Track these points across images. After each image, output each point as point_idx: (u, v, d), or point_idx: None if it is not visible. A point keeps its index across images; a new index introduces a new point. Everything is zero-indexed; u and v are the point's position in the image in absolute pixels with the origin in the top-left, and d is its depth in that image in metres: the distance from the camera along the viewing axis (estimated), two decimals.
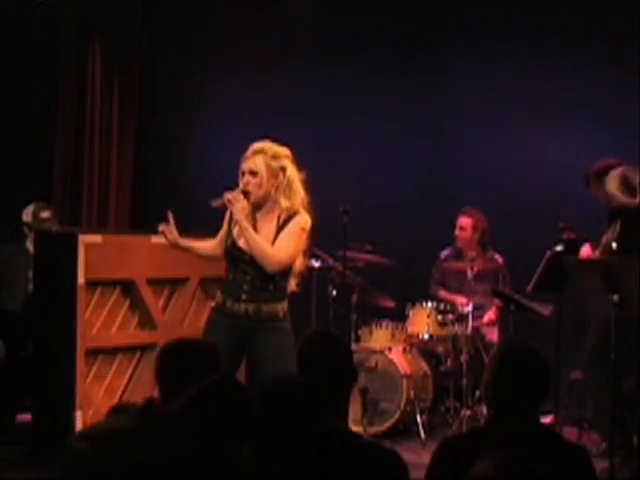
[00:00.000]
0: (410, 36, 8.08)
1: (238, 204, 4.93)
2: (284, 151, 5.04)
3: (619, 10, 7.30)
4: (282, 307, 5.03)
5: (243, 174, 5.02)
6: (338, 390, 3.28)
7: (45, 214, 6.78)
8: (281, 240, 4.96)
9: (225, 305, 5.03)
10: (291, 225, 4.98)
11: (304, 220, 5.00)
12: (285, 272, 5.02)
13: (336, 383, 3.26)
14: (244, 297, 4.98)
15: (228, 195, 4.95)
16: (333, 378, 3.26)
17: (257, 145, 5.04)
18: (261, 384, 2.99)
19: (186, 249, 5.20)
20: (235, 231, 5.07)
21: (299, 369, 3.32)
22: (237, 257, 5.03)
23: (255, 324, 4.97)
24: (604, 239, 6.07)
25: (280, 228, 4.99)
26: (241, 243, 5.02)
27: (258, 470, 2.73)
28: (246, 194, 4.99)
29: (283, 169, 4.99)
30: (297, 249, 5.02)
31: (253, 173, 4.98)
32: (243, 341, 4.98)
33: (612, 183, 5.97)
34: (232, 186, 5.08)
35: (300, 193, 5.03)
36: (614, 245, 5.96)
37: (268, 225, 5.01)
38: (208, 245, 5.22)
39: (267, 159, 4.98)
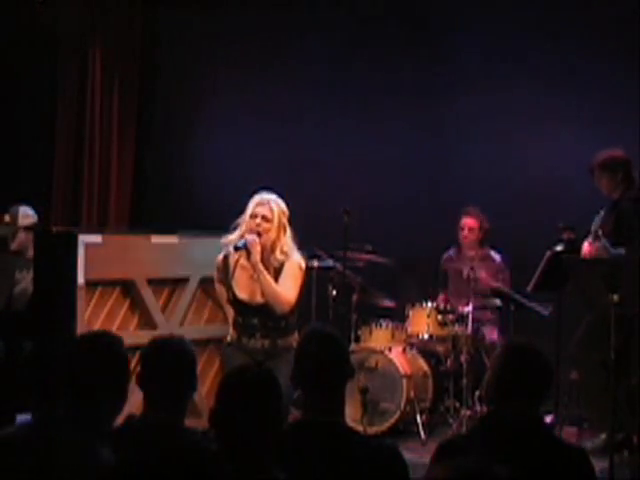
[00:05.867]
0: (410, 36, 8.07)
1: (257, 247, 5.22)
2: (286, 210, 5.36)
3: (620, 7, 7.30)
4: (295, 338, 5.29)
5: (254, 217, 5.28)
6: (334, 387, 3.28)
7: (26, 220, 6.72)
8: (285, 281, 5.28)
9: (240, 341, 5.36)
10: (289, 265, 5.30)
11: (298, 260, 5.34)
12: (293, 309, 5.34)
13: (332, 380, 3.26)
14: (258, 335, 5.32)
15: (249, 238, 5.21)
16: (329, 375, 3.26)
17: (270, 196, 5.36)
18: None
19: None
20: (234, 282, 5.33)
21: (295, 366, 3.32)
22: (242, 307, 5.34)
23: (269, 356, 5.26)
24: (592, 227, 6.11)
25: (277, 273, 5.29)
26: (242, 296, 5.33)
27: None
28: (257, 235, 5.26)
29: (285, 228, 5.33)
30: (299, 287, 5.35)
31: (267, 220, 5.27)
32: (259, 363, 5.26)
33: None
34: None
35: (292, 248, 5.35)
36: (600, 232, 5.99)
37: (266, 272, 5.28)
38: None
39: (279, 213, 5.31)
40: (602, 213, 6.09)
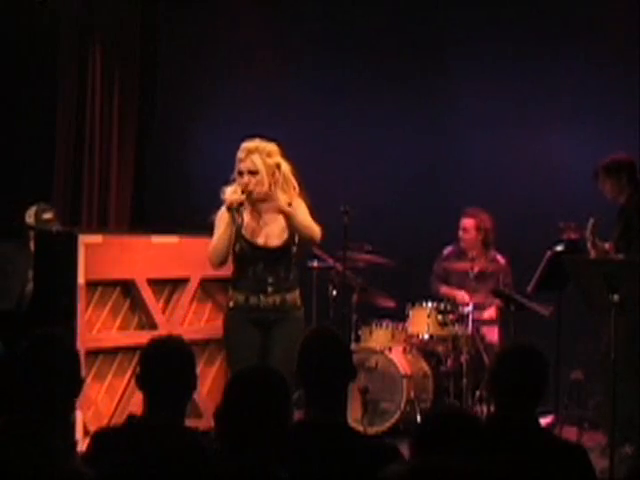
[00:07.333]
0: (409, 35, 8.08)
1: (254, 188, 5.08)
2: (275, 147, 5.20)
3: (620, 7, 7.30)
4: (298, 294, 5.25)
5: (241, 174, 5.15)
6: (336, 388, 3.28)
7: (48, 215, 6.78)
8: (303, 216, 5.14)
9: (248, 302, 5.17)
10: (296, 205, 5.17)
11: (302, 202, 5.22)
12: (297, 259, 5.24)
13: (334, 381, 3.27)
14: (270, 290, 5.16)
15: (232, 191, 5.11)
16: (331, 376, 3.27)
17: (250, 144, 5.18)
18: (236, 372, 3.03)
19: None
20: (245, 230, 5.17)
21: (298, 367, 3.33)
22: (257, 255, 5.16)
23: (279, 315, 5.15)
24: (586, 235, 6.09)
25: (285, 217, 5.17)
26: (255, 240, 5.17)
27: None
28: (248, 194, 5.11)
29: (278, 165, 5.17)
30: None
31: (252, 173, 5.13)
32: (265, 331, 5.16)
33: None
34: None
35: (294, 184, 5.22)
36: (589, 245, 5.99)
37: (275, 220, 5.17)
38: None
39: (263, 157, 5.15)
40: (592, 220, 6.05)
